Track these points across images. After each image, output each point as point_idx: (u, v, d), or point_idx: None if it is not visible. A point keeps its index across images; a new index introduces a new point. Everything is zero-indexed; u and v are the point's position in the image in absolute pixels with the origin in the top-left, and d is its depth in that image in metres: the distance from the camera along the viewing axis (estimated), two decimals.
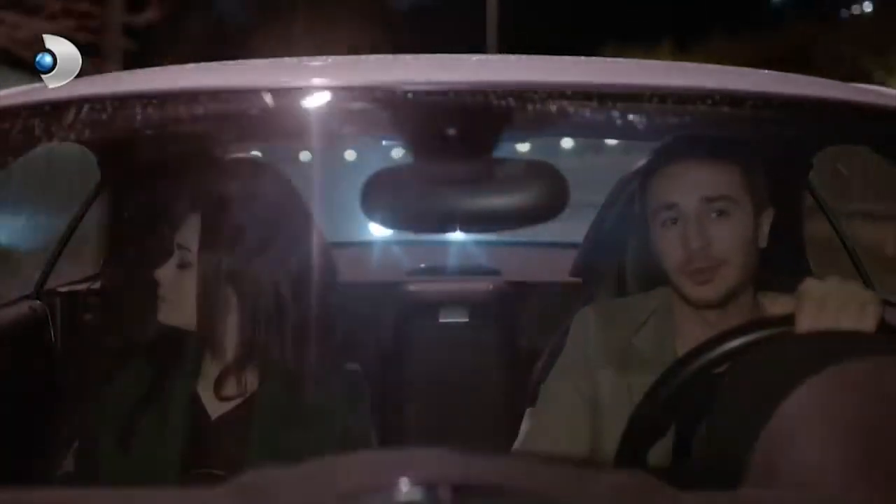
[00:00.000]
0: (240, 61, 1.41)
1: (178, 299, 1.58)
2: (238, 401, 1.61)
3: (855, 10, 24.48)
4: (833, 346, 1.00)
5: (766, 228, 1.57)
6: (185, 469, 1.56)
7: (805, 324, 1.12)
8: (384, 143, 2.24)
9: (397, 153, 2.45)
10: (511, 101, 1.20)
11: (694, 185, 1.53)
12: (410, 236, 2.46)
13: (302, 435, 1.56)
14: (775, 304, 1.16)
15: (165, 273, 1.59)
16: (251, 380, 1.61)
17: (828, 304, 1.13)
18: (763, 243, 1.57)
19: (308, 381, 1.60)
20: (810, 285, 1.15)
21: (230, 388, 1.61)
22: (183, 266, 1.58)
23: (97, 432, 1.61)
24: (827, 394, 0.87)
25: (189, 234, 1.58)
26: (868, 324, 1.13)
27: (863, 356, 0.95)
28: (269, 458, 1.55)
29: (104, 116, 1.26)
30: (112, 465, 1.57)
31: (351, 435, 1.60)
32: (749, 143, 1.59)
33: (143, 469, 1.55)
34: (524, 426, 1.66)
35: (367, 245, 2.64)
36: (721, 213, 1.52)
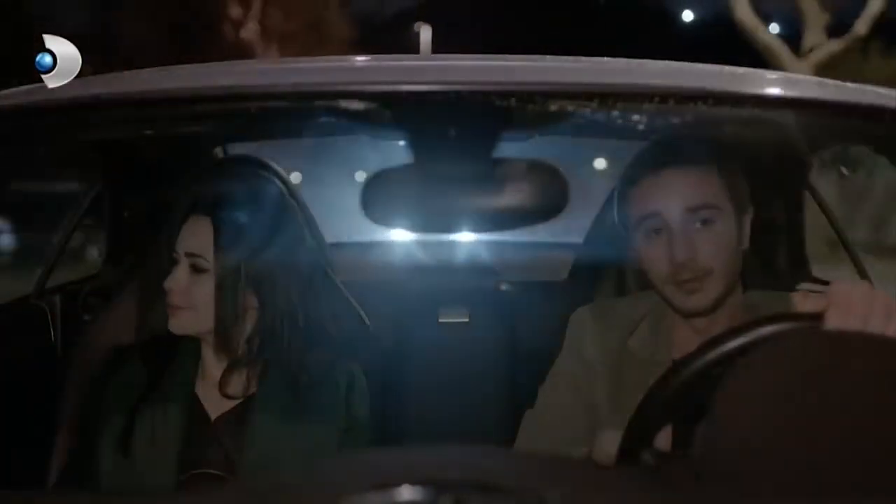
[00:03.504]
0: (240, 62, 1.42)
1: (194, 307, 1.57)
2: (237, 401, 1.61)
3: None
4: (836, 347, 1.00)
5: (747, 229, 1.56)
6: (184, 470, 1.56)
7: (832, 324, 1.11)
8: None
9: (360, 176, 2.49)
10: (511, 101, 1.20)
11: (676, 194, 1.51)
12: (410, 236, 2.46)
13: (302, 435, 1.56)
14: (806, 302, 1.14)
15: (177, 281, 1.57)
16: (253, 379, 1.61)
17: (854, 307, 1.12)
18: (745, 244, 1.56)
19: (308, 380, 1.60)
20: (840, 287, 1.14)
21: (235, 386, 1.61)
22: (197, 272, 1.57)
23: (96, 433, 1.61)
24: (828, 394, 0.87)
25: (200, 240, 1.56)
26: (893, 329, 1.12)
27: (866, 357, 0.94)
28: (268, 458, 1.55)
29: (104, 117, 1.26)
30: (111, 466, 1.57)
31: (351, 435, 1.60)
32: (727, 146, 1.58)
33: (141, 470, 1.55)
34: (522, 426, 1.65)
35: (367, 245, 2.64)
36: (705, 221, 1.51)
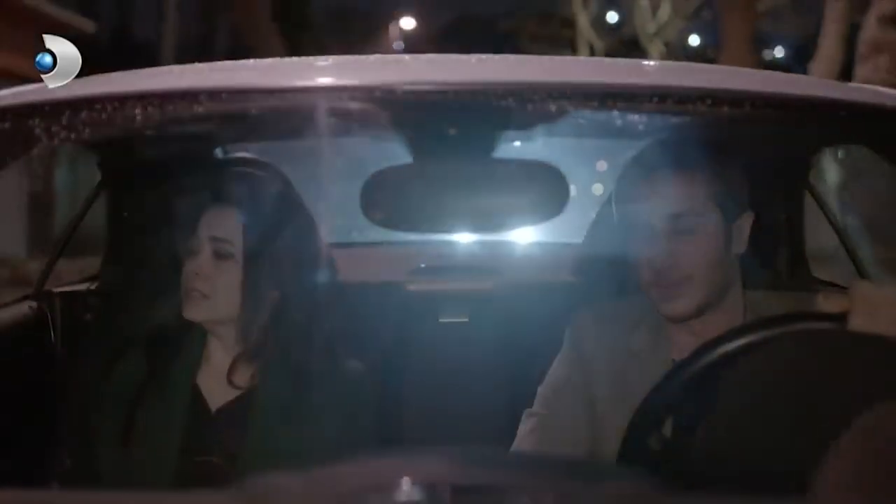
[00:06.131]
0: (240, 62, 1.41)
1: (214, 293, 1.58)
2: (239, 392, 1.62)
3: None
4: (836, 347, 1.00)
5: (745, 233, 1.55)
6: (185, 460, 1.56)
7: (856, 325, 1.10)
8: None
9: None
10: (511, 101, 1.20)
11: (661, 199, 1.51)
12: (410, 236, 2.46)
13: (301, 431, 1.57)
14: (828, 302, 1.13)
15: (200, 265, 1.57)
16: (257, 371, 1.62)
17: (881, 309, 1.10)
18: (741, 248, 1.55)
19: (310, 377, 1.60)
20: (865, 287, 1.13)
21: (242, 376, 1.62)
22: (220, 258, 1.57)
23: (96, 427, 1.62)
24: (829, 394, 0.87)
25: (225, 225, 1.58)
26: None
27: (868, 357, 0.94)
28: (268, 450, 1.56)
29: (104, 116, 1.26)
30: (112, 458, 1.58)
31: (351, 433, 1.60)
32: (723, 148, 1.58)
33: (142, 461, 1.56)
34: (522, 427, 1.66)
35: (367, 245, 2.64)
36: (688, 228, 1.51)
